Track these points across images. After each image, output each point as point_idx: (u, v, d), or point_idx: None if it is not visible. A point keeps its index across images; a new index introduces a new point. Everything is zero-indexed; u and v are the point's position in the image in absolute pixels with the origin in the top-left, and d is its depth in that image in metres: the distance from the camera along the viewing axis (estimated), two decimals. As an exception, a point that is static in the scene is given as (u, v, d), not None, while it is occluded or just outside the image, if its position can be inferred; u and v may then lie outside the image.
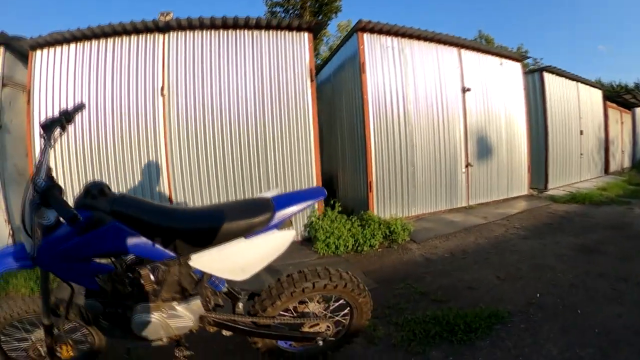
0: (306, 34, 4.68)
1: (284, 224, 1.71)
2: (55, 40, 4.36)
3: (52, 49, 4.43)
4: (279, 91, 4.56)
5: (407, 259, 3.91)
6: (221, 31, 4.55)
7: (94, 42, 4.46)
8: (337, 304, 1.95)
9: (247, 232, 1.63)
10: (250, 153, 4.54)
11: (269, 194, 1.81)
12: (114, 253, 1.57)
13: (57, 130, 1.61)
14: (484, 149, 6.30)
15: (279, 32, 4.63)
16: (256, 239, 1.64)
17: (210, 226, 1.61)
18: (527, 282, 3.11)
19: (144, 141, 4.47)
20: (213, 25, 4.48)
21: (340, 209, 4.68)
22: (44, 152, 1.50)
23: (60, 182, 4.56)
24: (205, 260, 1.62)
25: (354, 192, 5.62)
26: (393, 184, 5.25)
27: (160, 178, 4.53)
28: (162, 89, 4.43)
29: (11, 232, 4.58)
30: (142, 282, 1.60)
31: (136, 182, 4.51)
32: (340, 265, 3.72)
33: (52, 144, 1.57)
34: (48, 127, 1.57)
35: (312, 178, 4.66)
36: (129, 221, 1.53)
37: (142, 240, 1.55)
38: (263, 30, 4.59)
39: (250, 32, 4.58)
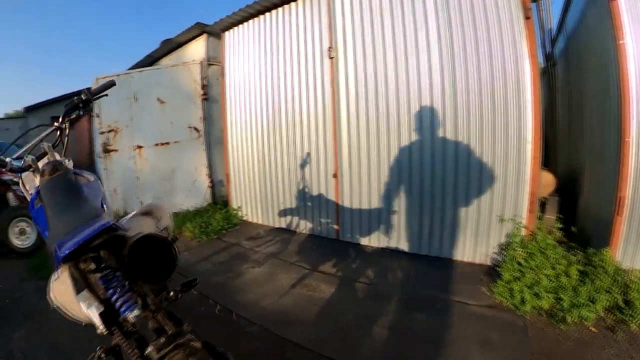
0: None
1: None
2: (236, 20, 4.87)
3: (235, 29, 5.07)
4: (476, 41, 3.12)
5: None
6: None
7: (267, 16, 4.63)
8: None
9: None
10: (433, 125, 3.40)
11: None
12: None
13: (75, 113, 1.78)
14: None
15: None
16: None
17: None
18: None
19: (312, 107, 4.24)
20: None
21: (561, 232, 2.93)
22: (56, 133, 1.73)
23: (246, 149, 5.06)
24: None
25: (594, 209, 3.35)
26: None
27: (327, 146, 4.15)
28: (330, 50, 3.96)
29: (210, 184, 5.48)
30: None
31: (304, 151, 4.37)
32: (510, 336, 2.22)
33: (67, 126, 1.77)
34: (68, 110, 1.75)
35: (524, 171, 3.05)
36: None
37: None
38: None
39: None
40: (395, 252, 3.68)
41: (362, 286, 3.03)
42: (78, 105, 1.75)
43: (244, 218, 5.25)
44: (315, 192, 4.33)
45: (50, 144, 1.70)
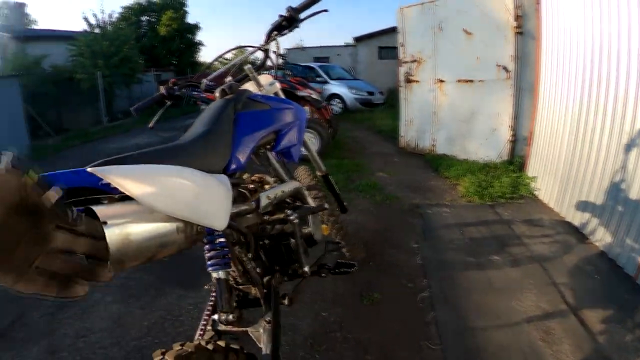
0: None
1: None
2: None
3: None
4: None
5: None
6: None
7: None
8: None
9: None
10: None
11: None
12: None
13: (281, 33, 1.69)
14: None
15: None
16: None
17: None
18: None
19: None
20: None
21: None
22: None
23: (558, 106, 4.00)
24: None
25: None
26: None
27: None
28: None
29: (511, 138, 4.91)
30: None
31: (635, 127, 2.99)
32: None
33: (278, 45, 1.76)
34: (272, 30, 1.69)
35: None
36: None
37: None
38: None
39: None
40: None
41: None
42: (282, 24, 1.66)
43: (535, 192, 4.41)
44: (632, 195, 3.03)
45: (251, 66, 1.70)
